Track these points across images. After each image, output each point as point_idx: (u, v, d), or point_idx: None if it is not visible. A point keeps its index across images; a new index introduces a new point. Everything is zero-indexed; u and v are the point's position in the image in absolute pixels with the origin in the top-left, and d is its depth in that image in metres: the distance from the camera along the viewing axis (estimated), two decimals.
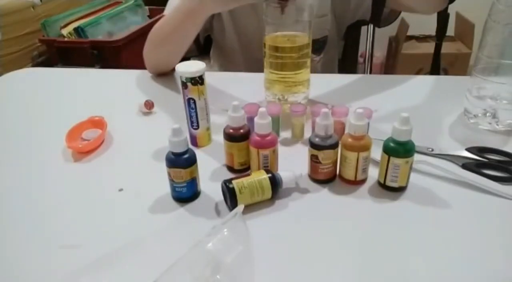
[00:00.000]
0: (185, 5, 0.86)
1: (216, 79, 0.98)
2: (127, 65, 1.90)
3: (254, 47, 0.84)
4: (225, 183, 0.59)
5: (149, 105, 0.85)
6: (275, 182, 0.59)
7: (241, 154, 0.65)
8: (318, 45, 1.06)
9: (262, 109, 0.60)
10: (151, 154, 0.72)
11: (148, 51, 0.97)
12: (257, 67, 0.83)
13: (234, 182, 0.58)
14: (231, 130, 0.64)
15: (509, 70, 0.71)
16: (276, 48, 0.77)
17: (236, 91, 0.92)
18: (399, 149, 0.58)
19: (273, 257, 0.51)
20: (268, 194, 0.59)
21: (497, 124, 0.74)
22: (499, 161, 0.67)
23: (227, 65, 1.15)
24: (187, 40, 0.93)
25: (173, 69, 0.91)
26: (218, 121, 0.77)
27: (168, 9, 1.01)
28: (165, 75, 1.01)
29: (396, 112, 0.59)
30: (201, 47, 1.11)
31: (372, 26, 1.61)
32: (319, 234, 0.55)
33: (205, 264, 0.44)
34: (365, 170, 0.62)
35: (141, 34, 2.09)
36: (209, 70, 1.17)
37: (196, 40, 1.01)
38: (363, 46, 1.30)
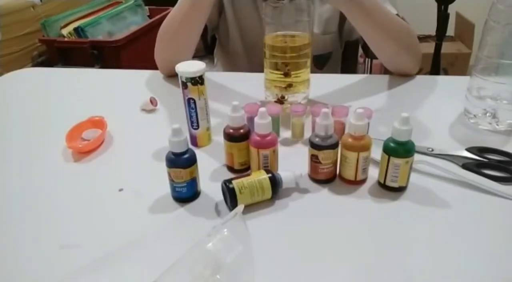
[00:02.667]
0: None
1: (216, 79, 0.98)
2: (127, 65, 1.90)
3: (257, 51, 0.84)
4: (225, 183, 0.59)
5: (155, 102, 0.86)
6: (275, 182, 0.59)
7: (241, 154, 0.65)
8: (322, 60, 1.07)
9: (262, 109, 0.60)
10: (151, 154, 0.72)
11: (159, 50, 0.96)
12: (259, 71, 0.83)
13: (234, 182, 0.58)
14: (231, 130, 0.64)
15: (509, 70, 0.71)
16: (276, 48, 0.77)
17: (236, 91, 0.92)
18: (399, 149, 0.58)
19: (273, 257, 0.51)
20: (268, 194, 0.59)
21: (497, 124, 0.74)
22: (499, 161, 0.67)
23: (230, 67, 1.16)
24: (196, 30, 0.92)
25: None
26: (218, 121, 0.77)
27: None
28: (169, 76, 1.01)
29: (396, 112, 0.59)
30: (208, 47, 1.11)
31: None
32: (319, 234, 0.55)
33: (205, 264, 0.44)
34: (365, 170, 0.62)
35: (141, 34, 2.09)
36: (212, 69, 1.18)
37: (204, 40, 1.02)
38: None
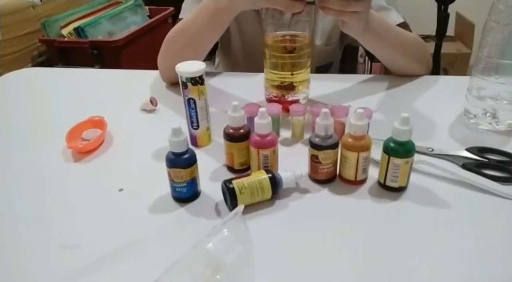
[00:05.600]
0: (209, 6, 0.80)
1: (216, 79, 0.98)
2: (127, 65, 1.91)
3: (257, 53, 0.84)
4: (225, 183, 0.59)
5: (155, 102, 0.86)
6: (275, 182, 0.59)
7: (241, 154, 0.65)
8: (323, 70, 1.08)
9: (262, 109, 0.60)
10: (151, 154, 0.72)
11: (165, 59, 0.91)
12: (259, 72, 0.83)
13: (234, 182, 0.58)
14: (231, 130, 0.64)
15: (509, 70, 0.71)
16: (276, 48, 0.77)
17: (236, 91, 0.92)
18: (399, 149, 0.58)
19: (273, 257, 0.51)
20: (268, 194, 0.59)
21: (497, 124, 0.74)
22: (499, 161, 0.67)
23: (231, 68, 1.15)
24: (210, 43, 0.88)
25: None
26: (218, 121, 0.77)
27: (184, 13, 0.96)
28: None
29: (396, 112, 0.59)
30: (212, 51, 1.11)
31: None
32: (319, 234, 0.55)
33: (205, 264, 0.44)
34: (365, 170, 0.62)
35: (141, 34, 2.10)
36: (213, 70, 1.18)
37: None
38: None
